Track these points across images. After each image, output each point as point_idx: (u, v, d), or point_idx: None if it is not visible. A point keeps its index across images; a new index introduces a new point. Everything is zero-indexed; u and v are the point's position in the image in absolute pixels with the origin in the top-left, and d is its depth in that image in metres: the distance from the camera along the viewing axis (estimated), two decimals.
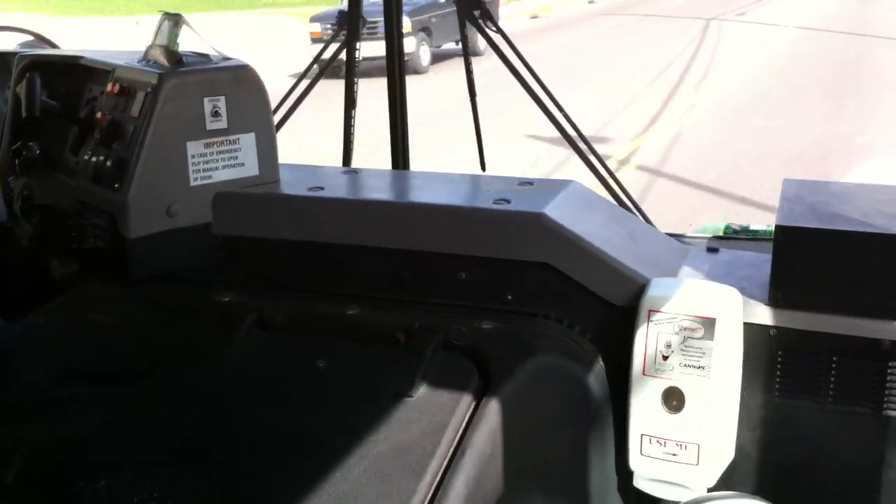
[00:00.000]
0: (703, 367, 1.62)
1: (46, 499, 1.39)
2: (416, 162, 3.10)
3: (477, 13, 2.60)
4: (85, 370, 1.71)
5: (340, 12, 2.81)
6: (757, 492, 1.47)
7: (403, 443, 1.41)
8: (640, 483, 1.74)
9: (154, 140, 1.84)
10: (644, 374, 1.65)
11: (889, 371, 1.61)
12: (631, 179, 8.05)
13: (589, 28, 22.20)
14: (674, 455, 1.66)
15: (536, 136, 9.38)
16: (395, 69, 2.91)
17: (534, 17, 25.10)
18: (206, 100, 1.89)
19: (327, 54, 2.89)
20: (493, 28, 2.72)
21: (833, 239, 1.63)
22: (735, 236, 2.31)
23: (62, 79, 2.16)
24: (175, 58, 1.94)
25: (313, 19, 17.02)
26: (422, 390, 1.54)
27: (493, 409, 1.50)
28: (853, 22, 20.06)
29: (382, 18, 2.81)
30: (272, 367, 1.69)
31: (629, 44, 18.66)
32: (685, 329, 1.63)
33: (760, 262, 1.85)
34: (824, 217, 1.70)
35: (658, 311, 1.65)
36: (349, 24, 2.75)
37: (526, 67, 2.77)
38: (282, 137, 2.17)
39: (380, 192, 2.12)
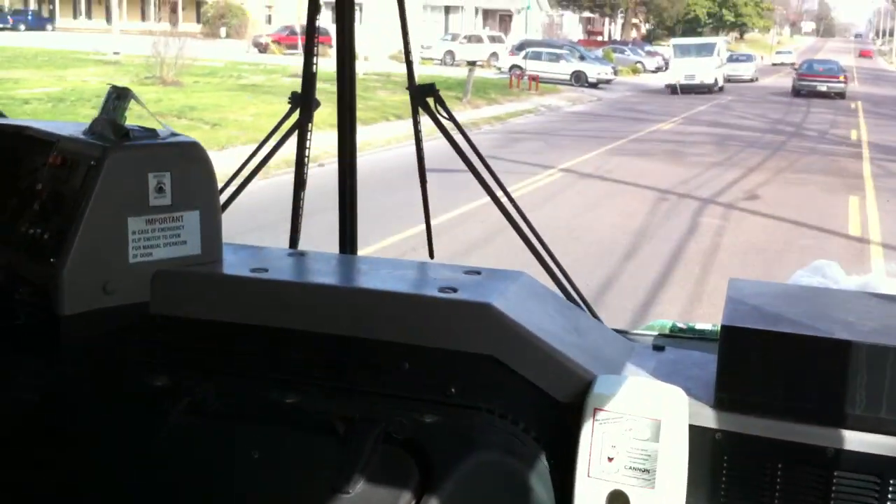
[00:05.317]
0: (649, 471, 1.58)
1: None
2: None
3: (431, 100, 2.63)
4: (7, 449, 1.62)
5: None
6: None
7: None
8: None
9: (94, 214, 1.79)
10: (589, 476, 1.61)
11: (834, 480, 1.59)
12: None
13: None
14: None
15: None
16: (346, 149, 2.90)
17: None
18: (150, 175, 1.84)
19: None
20: (445, 115, 2.75)
21: (777, 341, 1.62)
22: (681, 334, 2.30)
23: (4, 148, 2.11)
24: (121, 131, 1.90)
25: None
26: (359, 486, 1.48)
27: None
28: None
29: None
30: (203, 457, 1.61)
31: None
32: (630, 430, 1.60)
33: (706, 361, 1.84)
34: (769, 318, 1.69)
35: (603, 410, 1.62)
36: (302, 104, 2.74)
37: (476, 153, 2.78)
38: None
39: (324, 276, 2.07)
